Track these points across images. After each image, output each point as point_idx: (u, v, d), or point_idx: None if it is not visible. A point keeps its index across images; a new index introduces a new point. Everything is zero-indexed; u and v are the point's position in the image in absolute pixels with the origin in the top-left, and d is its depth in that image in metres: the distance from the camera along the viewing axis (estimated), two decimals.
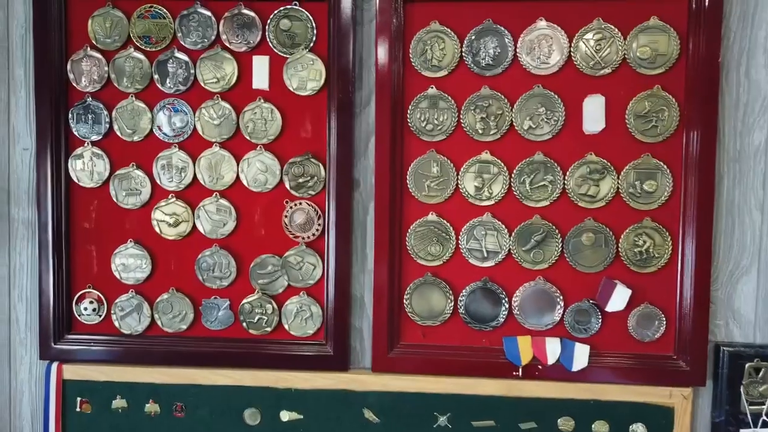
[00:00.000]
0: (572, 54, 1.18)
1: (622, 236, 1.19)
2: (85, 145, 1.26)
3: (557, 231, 1.20)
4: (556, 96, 1.18)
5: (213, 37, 1.22)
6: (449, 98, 1.21)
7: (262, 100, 1.23)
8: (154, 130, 1.25)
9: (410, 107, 1.21)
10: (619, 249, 1.20)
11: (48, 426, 1.27)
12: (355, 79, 1.21)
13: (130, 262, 1.27)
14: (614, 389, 1.20)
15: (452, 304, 1.23)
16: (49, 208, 1.25)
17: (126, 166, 1.26)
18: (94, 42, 1.24)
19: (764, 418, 1.17)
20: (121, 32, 1.24)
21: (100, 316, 1.28)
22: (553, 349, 1.20)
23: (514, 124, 1.20)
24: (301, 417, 1.25)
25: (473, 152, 1.21)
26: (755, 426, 1.18)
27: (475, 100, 1.20)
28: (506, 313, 1.22)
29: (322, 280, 1.25)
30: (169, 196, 1.25)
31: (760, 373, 1.17)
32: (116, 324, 1.28)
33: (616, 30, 1.17)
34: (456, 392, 1.23)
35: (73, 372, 1.28)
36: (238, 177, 1.24)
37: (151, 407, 1.27)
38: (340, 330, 1.24)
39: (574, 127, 1.19)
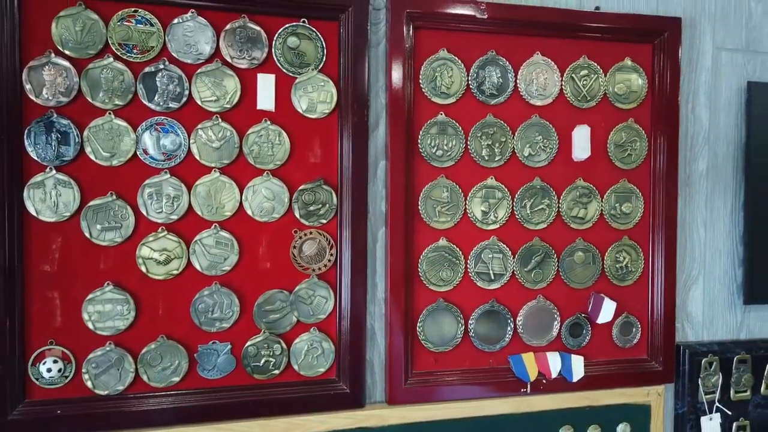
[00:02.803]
0: (563, 87, 1.28)
1: (606, 254, 1.32)
2: (47, 171, 1.04)
3: (554, 251, 1.29)
4: (551, 125, 1.27)
5: (212, 51, 1.10)
6: (457, 125, 1.23)
7: (268, 122, 1.13)
8: (138, 153, 1.08)
9: (421, 133, 1.21)
10: (604, 265, 1.32)
11: None
12: (369, 102, 1.17)
13: (107, 309, 1.07)
14: (604, 394, 1.32)
15: (463, 327, 1.25)
16: None
17: (102, 196, 1.06)
18: (59, 47, 1.03)
19: (717, 404, 1.38)
20: (96, 38, 1.05)
21: (67, 377, 1.06)
22: (554, 362, 1.28)
23: (516, 151, 1.26)
24: None
25: (480, 178, 1.25)
26: (710, 412, 1.37)
27: (481, 127, 1.24)
28: (512, 332, 1.27)
29: (334, 313, 1.18)
30: (159, 230, 1.09)
31: (713, 366, 1.37)
32: (89, 384, 1.07)
33: (599, 67, 1.29)
34: (470, 415, 1.24)
35: None
36: (241, 206, 1.12)
37: None
38: (355, 365, 1.18)
39: (565, 154, 1.29)
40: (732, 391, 1.39)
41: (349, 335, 1.17)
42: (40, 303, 1.05)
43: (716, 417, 1.37)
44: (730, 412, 1.38)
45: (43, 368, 1.04)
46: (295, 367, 1.16)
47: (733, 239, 1.42)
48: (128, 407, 1.08)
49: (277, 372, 1.15)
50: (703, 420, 1.36)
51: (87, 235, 1.06)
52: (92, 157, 1.06)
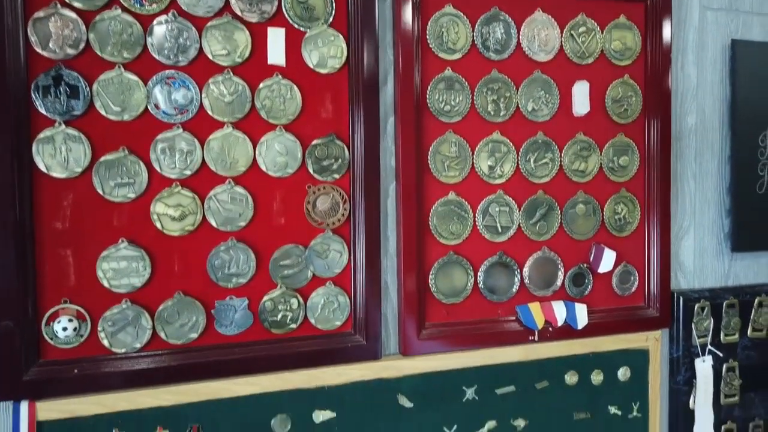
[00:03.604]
0: (563, 44, 1.31)
1: (605, 206, 1.36)
2: (56, 125, 1.01)
3: (557, 204, 1.33)
4: (552, 81, 1.31)
5: (222, 4, 1.08)
6: (463, 80, 1.25)
7: (279, 77, 1.12)
8: (149, 107, 1.06)
9: (429, 88, 1.22)
10: (604, 217, 1.36)
11: None
12: (378, 58, 1.18)
13: (122, 266, 1.05)
14: (606, 341, 1.37)
15: (472, 279, 1.28)
16: (8, 205, 0.98)
17: (114, 151, 1.04)
18: None
19: (709, 347, 1.45)
20: None
21: (82, 336, 1.04)
22: (560, 311, 1.32)
23: (519, 106, 1.29)
24: (334, 415, 1.18)
25: (486, 133, 1.27)
26: (703, 355, 1.44)
27: (486, 82, 1.26)
28: (518, 283, 1.31)
29: (348, 267, 1.19)
30: (173, 185, 1.07)
31: (704, 311, 1.44)
32: (105, 343, 1.05)
33: (596, 24, 1.33)
34: (481, 364, 1.27)
35: (51, 409, 1.02)
36: (254, 161, 1.12)
37: None
38: (370, 318, 1.19)
39: (566, 109, 1.33)
40: (722, 335, 1.46)
41: (364, 289, 1.18)
42: (52, 261, 1.03)
43: (708, 359, 1.44)
44: (721, 354, 1.45)
45: (57, 327, 1.02)
46: (312, 321, 1.17)
47: (720, 191, 1.49)
48: (146, 365, 1.07)
49: (294, 326, 1.16)
50: (697, 362, 1.43)
51: (99, 191, 1.04)
52: (102, 111, 1.03)
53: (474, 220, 1.27)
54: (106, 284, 1.05)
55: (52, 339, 1.02)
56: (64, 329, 1.02)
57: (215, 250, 1.10)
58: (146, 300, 1.07)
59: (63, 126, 1.01)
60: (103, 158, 1.04)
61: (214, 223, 1.10)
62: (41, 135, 1.00)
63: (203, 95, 1.08)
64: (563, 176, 1.33)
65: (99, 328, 1.05)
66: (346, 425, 1.18)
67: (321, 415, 1.17)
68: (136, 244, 1.06)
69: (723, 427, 1.47)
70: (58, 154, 1.01)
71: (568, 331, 1.33)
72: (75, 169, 1.02)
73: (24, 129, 1.00)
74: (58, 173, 1.01)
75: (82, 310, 1.04)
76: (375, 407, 1.20)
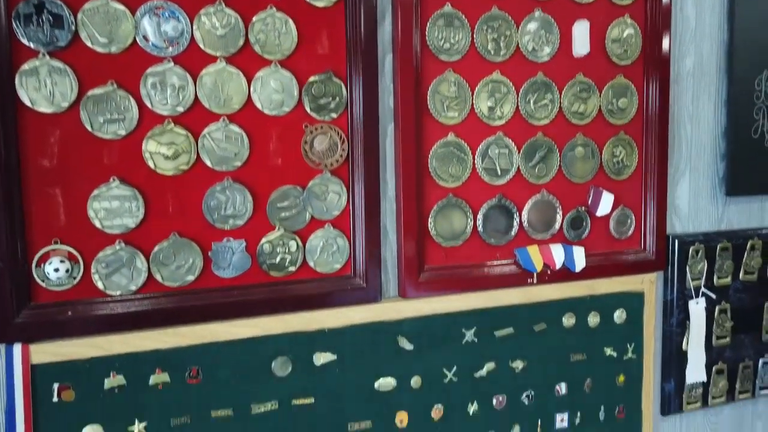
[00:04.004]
0: None
1: (604, 148, 1.35)
2: (39, 56, 0.96)
3: (556, 146, 1.31)
4: (552, 19, 1.28)
5: None
6: (463, 17, 1.21)
7: (274, 9, 1.08)
8: (138, 39, 1.01)
9: (428, 24, 1.19)
10: (602, 160, 1.35)
11: (14, 427, 0.97)
12: None
13: (114, 206, 1.02)
14: (603, 283, 1.37)
15: (472, 222, 1.26)
16: None
17: (102, 85, 1.00)
18: None
19: (703, 289, 1.46)
20: None
21: (75, 278, 1.01)
22: (558, 254, 1.32)
23: (519, 45, 1.26)
24: (335, 357, 1.17)
25: (485, 72, 1.24)
26: (697, 297, 1.46)
27: (486, 20, 1.23)
28: (517, 226, 1.30)
29: (347, 209, 1.17)
30: (166, 122, 1.03)
31: (699, 254, 1.45)
32: (99, 285, 1.02)
33: None
34: (480, 307, 1.27)
35: (45, 352, 0.99)
36: (249, 98, 1.08)
37: (158, 378, 1.06)
38: (370, 260, 1.17)
39: (566, 50, 1.30)
40: (715, 277, 1.48)
41: (363, 231, 1.16)
42: (41, 201, 0.98)
43: (702, 301, 1.46)
44: (714, 296, 1.47)
45: (49, 268, 0.99)
46: (311, 264, 1.15)
47: (716, 135, 1.49)
48: (143, 307, 1.04)
49: (293, 269, 1.14)
50: (691, 303, 1.45)
51: (88, 127, 0.99)
52: (88, 43, 0.98)
53: (473, 163, 1.25)
54: (98, 225, 1.01)
55: (43, 281, 0.99)
56: (56, 270, 0.99)
57: (211, 190, 1.07)
58: (140, 241, 1.04)
59: (47, 57, 0.96)
60: (90, 92, 0.99)
61: (208, 163, 1.06)
62: (24, 67, 0.95)
63: (194, 27, 1.03)
64: (562, 118, 1.31)
65: (92, 270, 1.01)
66: (347, 367, 1.18)
67: (321, 358, 1.16)
68: (129, 184, 1.02)
69: (714, 368, 1.50)
70: (42, 87, 0.96)
71: (566, 274, 1.33)
72: (61, 104, 0.97)
73: (5, 60, 0.94)
74: (43, 108, 0.97)
75: (74, 252, 1.01)
76: (375, 350, 1.19)
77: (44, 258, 0.99)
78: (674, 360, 1.46)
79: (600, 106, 1.33)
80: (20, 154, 0.96)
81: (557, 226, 1.33)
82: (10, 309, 0.96)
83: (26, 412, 0.97)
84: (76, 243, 1.01)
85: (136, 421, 1.04)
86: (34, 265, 0.98)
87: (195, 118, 1.05)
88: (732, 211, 1.52)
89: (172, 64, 1.02)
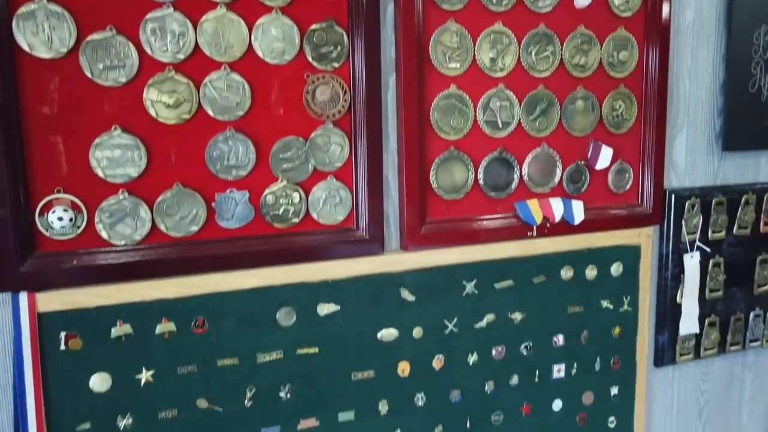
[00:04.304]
0: None
1: (604, 102, 1.36)
2: (36, 0, 0.94)
3: (556, 99, 1.31)
4: None
5: None
6: None
7: None
8: None
9: None
10: (602, 113, 1.36)
11: (23, 376, 0.98)
12: None
13: (116, 155, 1.01)
14: (600, 237, 1.39)
15: (473, 176, 1.27)
16: None
17: (101, 30, 0.98)
18: None
19: (698, 243, 1.49)
20: None
21: (79, 227, 1.01)
22: (557, 207, 1.33)
23: None
24: (339, 307, 1.18)
25: (488, 23, 1.23)
26: (691, 250, 1.48)
27: None
28: (518, 179, 1.30)
29: (349, 161, 1.17)
30: (166, 70, 1.02)
31: (695, 208, 1.47)
32: (103, 234, 1.02)
33: None
34: (480, 259, 1.28)
35: (52, 300, 0.99)
36: (250, 46, 1.06)
37: (164, 327, 1.06)
38: (373, 212, 1.18)
39: (567, 1, 1.29)
40: (710, 232, 1.50)
41: (366, 183, 1.17)
42: (42, 149, 0.97)
43: (696, 255, 1.48)
44: (708, 250, 1.49)
45: (53, 217, 0.98)
46: (314, 216, 1.15)
47: (714, 90, 1.49)
48: (147, 257, 1.04)
49: (296, 220, 1.14)
50: (686, 257, 1.47)
51: (88, 74, 0.97)
52: None
53: (475, 115, 1.25)
54: (100, 174, 1.00)
55: (47, 230, 0.99)
56: (60, 219, 0.98)
57: (213, 140, 1.06)
58: (144, 191, 1.04)
59: (44, 1, 0.94)
60: (89, 38, 0.97)
61: (210, 112, 1.05)
62: (21, 10, 0.93)
63: None
64: (563, 71, 1.31)
65: (96, 220, 1.01)
66: (350, 318, 1.19)
67: (325, 308, 1.17)
68: (130, 132, 1.01)
69: (707, 320, 1.54)
70: (40, 32, 0.94)
71: (565, 228, 1.35)
72: (60, 49, 0.96)
73: (2, 3, 0.92)
74: (42, 53, 0.95)
75: (77, 201, 1.00)
76: (378, 301, 1.21)
77: (47, 207, 0.98)
78: (668, 313, 1.49)
79: (601, 58, 1.33)
80: (20, 101, 0.95)
81: (557, 179, 1.34)
82: (14, 258, 0.96)
83: (34, 361, 0.98)
84: (79, 192, 1.00)
85: (144, 370, 1.05)
86: (37, 214, 0.98)
87: (196, 66, 1.04)
88: (728, 166, 1.54)
89: (171, 9, 1.01)
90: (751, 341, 1.60)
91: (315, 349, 1.17)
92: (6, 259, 0.95)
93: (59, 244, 1.00)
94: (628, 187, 1.41)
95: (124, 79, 1.00)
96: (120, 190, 1.02)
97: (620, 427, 1.48)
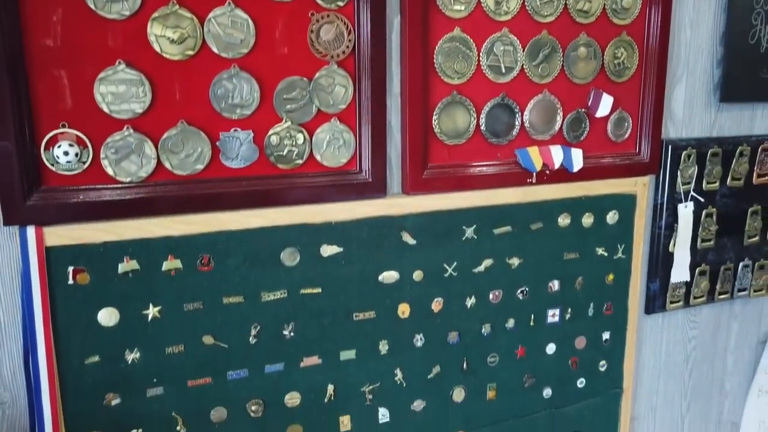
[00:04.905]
0: None
1: (606, 49, 1.36)
2: None
3: (559, 46, 1.31)
4: None
5: None
6: None
7: None
8: None
9: None
10: (604, 61, 1.36)
11: (32, 309, 0.99)
12: None
13: (121, 90, 1.00)
14: (598, 185, 1.41)
15: (475, 121, 1.27)
16: None
17: None
18: None
19: (692, 193, 1.51)
20: None
21: (85, 162, 1.01)
22: (557, 154, 1.35)
23: None
24: (341, 249, 1.20)
25: None
26: (686, 200, 1.51)
27: None
28: (519, 126, 1.31)
29: (353, 103, 1.17)
30: (170, 4, 1.00)
31: (690, 158, 1.50)
32: (109, 171, 1.02)
33: None
34: (481, 204, 1.30)
35: (59, 235, 1.00)
36: None
37: (171, 264, 1.08)
38: (376, 155, 1.19)
39: None
40: (704, 182, 1.53)
41: (370, 126, 1.17)
42: (46, 82, 0.96)
43: (690, 205, 1.51)
44: (702, 200, 1.52)
45: (58, 151, 0.98)
46: (318, 158, 1.16)
47: (714, 40, 1.50)
48: (153, 194, 1.05)
49: (300, 162, 1.15)
50: (680, 207, 1.50)
51: (91, 5, 0.96)
52: None
53: (478, 59, 1.25)
54: (105, 109, 1.00)
55: (53, 165, 0.98)
56: (66, 153, 0.98)
57: (218, 77, 1.06)
58: (149, 128, 1.03)
59: None
60: None
61: (215, 49, 1.04)
62: None
63: None
64: (567, 16, 1.30)
65: (102, 156, 1.01)
66: (352, 260, 1.21)
67: (328, 250, 1.19)
68: (135, 68, 1.00)
69: (697, 269, 1.58)
70: None
71: (564, 175, 1.36)
72: None
73: None
74: None
75: (83, 136, 1.00)
76: (379, 243, 1.23)
77: (53, 141, 0.98)
78: (661, 261, 1.53)
79: (604, 5, 1.33)
80: (23, 32, 0.93)
81: (557, 126, 1.35)
82: (21, 191, 0.96)
83: (43, 294, 0.99)
84: (84, 128, 1.00)
85: (151, 306, 1.07)
86: (42, 148, 0.97)
87: (199, 1, 1.02)
88: (724, 117, 1.56)
89: None
90: (739, 290, 1.65)
91: (318, 290, 1.19)
92: (12, 192, 0.96)
93: (65, 179, 1.00)
94: (626, 136, 1.43)
95: (127, 12, 0.98)
96: (125, 126, 1.02)
97: (610, 371, 1.53)
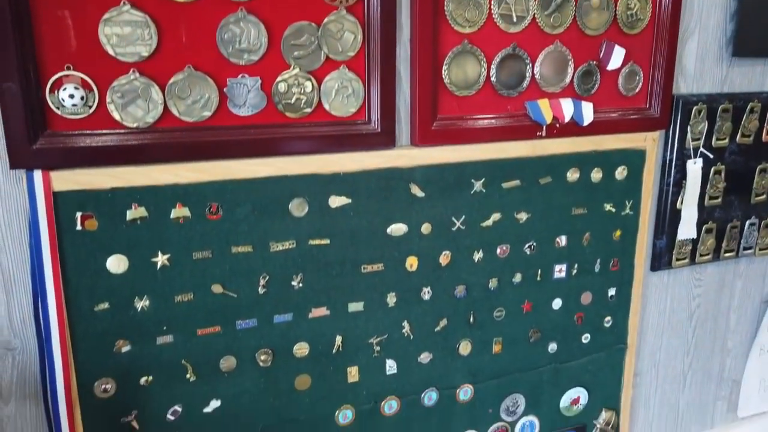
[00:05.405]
0: None
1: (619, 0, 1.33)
2: None
3: None
4: None
5: None
6: None
7: None
8: None
9: None
10: (617, 12, 1.33)
11: (41, 254, 0.98)
12: None
13: (126, 32, 0.98)
14: (607, 139, 1.40)
15: (485, 72, 1.25)
16: None
17: None
18: None
19: (702, 150, 1.50)
20: None
21: (91, 106, 0.99)
22: (567, 107, 1.33)
23: None
24: (350, 201, 1.19)
25: None
26: (695, 157, 1.50)
27: None
28: (530, 78, 1.29)
29: (362, 51, 1.14)
30: None
31: (701, 114, 1.48)
32: (115, 115, 1.01)
33: None
34: (489, 158, 1.29)
35: (67, 180, 0.99)
36: None
37: (179, 212, 1.07)
38: (385, 105, 1.17)
39: None
40: (714, 138, 1.51)
41: (379, 75, 1.15)
42: (50, 23, 0.94)
43: (699, 161, 1.50)
44: (712, 156, 1.51)
45: (64, 94, 0.96)
46: (326, 107, 1.14)
47: None
48: (161, 140, 1.03)
49: (308, 110, 1.13)
50: (689, 163, 1.49)
51: None
52: None
53: (489, 7, 1.22)
54: (110, 51, 0.98)
55: (58, 108, 0.97)
56: (71, 96, 0.96)
57: (225, 21, 1.03)
58: (155, 72, 1.01)
59: None
60: None
61: None
62: None
63: None
64: None
65: (108, 100, 0.99)
66: (361, 211, 1.20)
67: (337, 201, 1.18)
68: (140, 9, 0.98)
69: (704, 226, 1.57)
70: None
71: (574, 129, 1.35)
72: None
73: None
74: None
75: (88, 79, 0.98)
76: (388, 195, 1.22)
77: (58, 84, 0.96)
78: (668, 218, 1.53)
79: None
80: None
81: (568, 79, 1.33)
82: (26, 134, 0.95)
83: (51, 239, 0.98)
84: (90, 70, 0.98)
85: (159, 253, 1.07)
86: (48, 91, 0.96)
87: None
88: (735, 73, 1.53)
89: None
90: (745, 249, 1.65)
91: (326, 241, 1.19)
92: (18, 135, 0.94)
93: (71, 123, 0.98)
94: (637, 90, 1.41)
95: None
96: (131, 70, 1.00)
97: (615, 327, 1.54)
